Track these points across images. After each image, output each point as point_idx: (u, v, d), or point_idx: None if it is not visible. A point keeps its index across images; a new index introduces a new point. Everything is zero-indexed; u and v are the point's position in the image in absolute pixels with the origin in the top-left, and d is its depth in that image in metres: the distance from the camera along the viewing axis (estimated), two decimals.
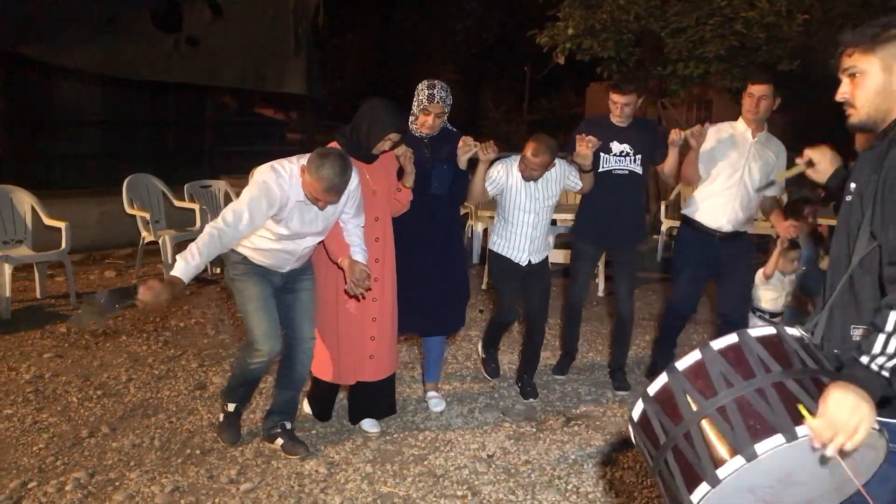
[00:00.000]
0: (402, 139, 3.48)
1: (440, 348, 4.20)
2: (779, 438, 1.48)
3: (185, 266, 2.94)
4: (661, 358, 4.47)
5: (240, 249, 3.38)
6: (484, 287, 6.88)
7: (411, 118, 3.72)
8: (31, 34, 7.53)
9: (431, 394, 4.19)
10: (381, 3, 14.89)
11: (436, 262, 3.84)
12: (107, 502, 3.07)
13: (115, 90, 10.68)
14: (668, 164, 4.18)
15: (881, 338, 1.54)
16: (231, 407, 3.64)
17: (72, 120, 10.83)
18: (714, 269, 4.22)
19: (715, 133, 4.11)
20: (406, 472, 3.40)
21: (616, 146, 4.19)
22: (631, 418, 1.78)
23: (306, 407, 3.94)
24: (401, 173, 3.67)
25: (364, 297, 3.44)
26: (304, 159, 3.17)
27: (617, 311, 4.51)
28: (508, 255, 4.11)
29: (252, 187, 3.14)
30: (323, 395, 3.86)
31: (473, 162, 3.83)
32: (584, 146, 3.97)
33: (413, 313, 3.83)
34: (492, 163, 3.89)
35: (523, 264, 4.11)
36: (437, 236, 3.85)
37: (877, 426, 1.53)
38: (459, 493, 3.23)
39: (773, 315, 4.44)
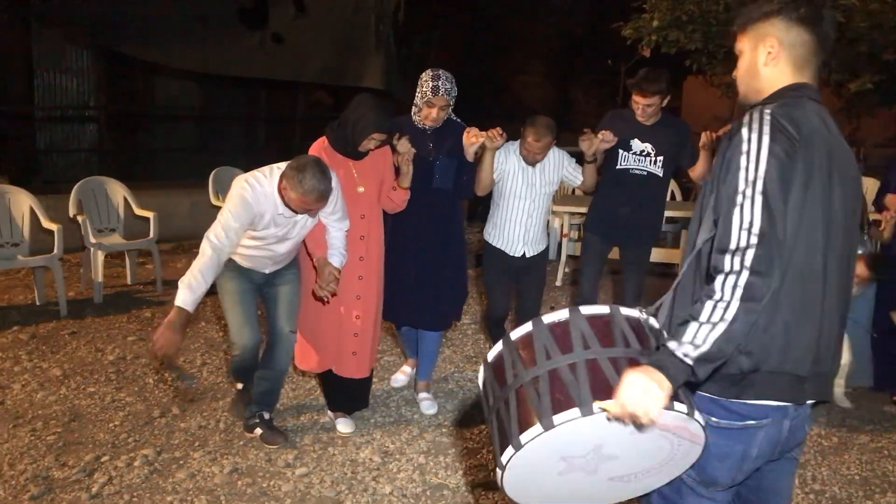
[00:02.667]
0: (387, 139, 3.42)
1: (435, 345, 4.06)
2: (575, 412, 1.54)
3: (190, 295, 2.97)
4: None
5: None
6: (558, 283, 6.81)
7: (414, 109, 3.64)
8: (132, 34, 7.96)
9: (422, 395, 4.06)
10: None
11: (435, 256, 3.76)
12: (170, 479, 3.22)
13: (211, 86, 11.14)
14: (699, 170, 3.97)
15: (693, 326, 1.56)
16: (240, 386, 3.80)
17: (169, 115, 11.35)
18: None
19: None
20: (458, 464, 3.40)
21: (637, 144, 4.00)
22: (479, 384, 1.87)
23: (340, 426, 3.77)
24: (398, 172, 3.60)
25: (329, 301, 3.41)
26: (277, 171, 3.18)
27: None
28: (502, 248, 3.95)
29: (232, 201, 3.15)
30: (333, 387, 3.77)
31: (478, 152, 3.73)
32: (590, 138, 3.81)
33: (409, 306, 3.80)
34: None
35: (517, 255, 3.94)
36: (437, 230, 3.77)
37: (684, 409, 1.56)
38: None
39: None
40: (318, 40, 8.17)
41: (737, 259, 1.53)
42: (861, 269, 2.39)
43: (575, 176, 3.98)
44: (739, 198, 1.56)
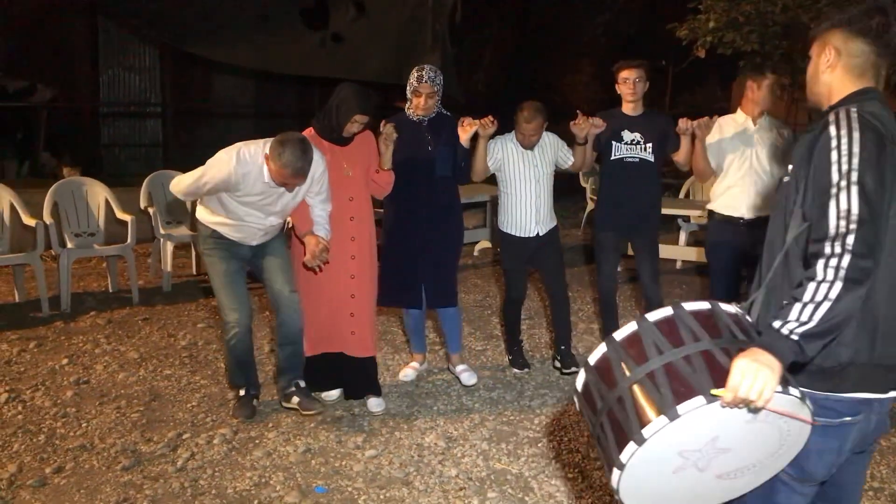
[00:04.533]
0: (370, 121, 3.64)
1: (456, 320, 4.28)
2: (699, 400, 1.55)
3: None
4: None
5: (209, 223, 3.60)
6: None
7: (407, 104, 3.93)
8: (196, 33, 8.23)
9: (459, 367, 4.30)
10: None
11: (440, 239, 4.01)
12: (248, 456, 3.41)
13: (267, 84, 11.43)
14: (682, 153, 4.23)
15: (797, 306, 1.60)
16: (241, 391, 3.81)
17: (227, 112, 11.67)
18: (746, 255, 4.11)
19: (718, 127, 4.13)
20: (520, 451, 3.53)
21: (627, 135, 4.26)
22: (575, 389, 1.87)
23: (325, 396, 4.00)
24: (379, 154, 3.83)
25: (321, 270, 3.61)
26: (268, 145, 3.33)
27: (645, 297, 4.53)
28: (517, 233, 4.25)
29: (216, 156, 3.39)
30: (315, 369, 3.91)
31: (472, 142, 3.98)
32: (584, 122, 4.10)
33: (421, 289, 4.03)
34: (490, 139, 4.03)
35: (531, 236, 4.23)
36: (441, 216, 4.01)
37: (797, 393, 1.58)
38: (570, 476, 3.33)
39: None
40: (377, 40, 8.35)
41: (837, 244, 1.58)
42: None
43: (567, 158, 4.30)
44: (834, 189, 1.62)
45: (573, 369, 4.38)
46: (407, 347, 4.69)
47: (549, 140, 4.25)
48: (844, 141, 1.65)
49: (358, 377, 3.95)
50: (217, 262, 3.62)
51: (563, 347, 4.48)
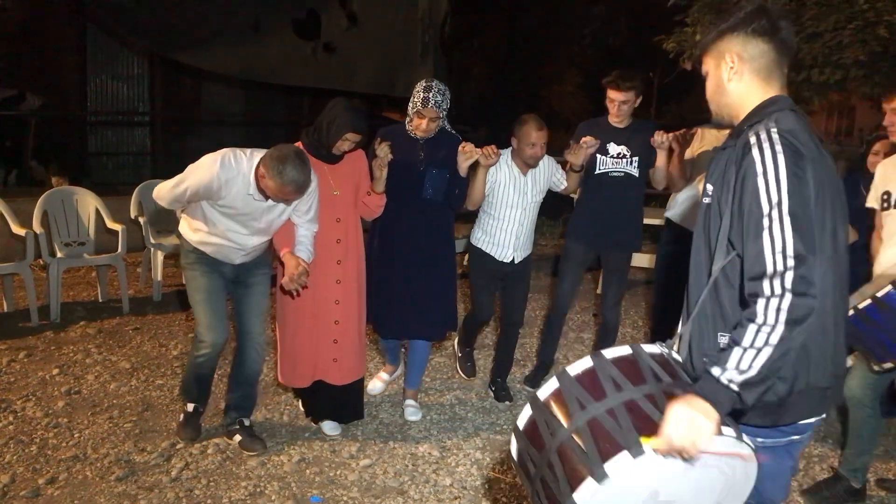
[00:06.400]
0: (362, 140, 3.46)
1: (424, 354, 4.06)
2: (625, 455, 1.49)
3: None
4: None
5: (191, 240, 3.44)
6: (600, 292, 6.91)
7: (407, 118, 3.69)
8: (186, 42, 8.25)
9: (409, 402, 4.07)
10: (507, 8, 15.07)
11: (425, 266, 3.77)
12: (242, 466, 3.41)
13: (256, 93, 11.44)
14: (658, 167, 4.07)
15: (737, 351, 1.56)
16: (190, 407, 3.66)
17: (216, 121, 11.67)
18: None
19: (700, 136, 4.05)
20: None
21: (613, 147, 4.11)
22: (511, 457, 1.80)
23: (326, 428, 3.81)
24: (373, 177, 3.63)
25: (299, 294, 3.42)
26: (257, 155, 3.18)
27: (603, 317, 4.42)
28: (492, 253, 4.04)
29: (198, 161, 3.22)
30: (319, 397, 3.78)
31: (472, 168, 3.77)
32: (578, 149, 3.95)
33: (401, 318, 3.81)
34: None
35: (507, 261, 4.04)
36: (428, 240, 3.78)
37: (732, 433, 1.55)
38: None
39: None
40: (369, 51, 8.40)
41: (776, 283, 1.53)
42: None
43: (560, 182, 4.13)
44: (766, 221, 1.56)
45: (506, 403, 4.23)
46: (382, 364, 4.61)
47: (545, 164, 4.03)
48: (770, 167, 1.58)
49: (344, 401, 3.80)
50: (198, 276, 3.45)
51: (499, 379, 4.32)
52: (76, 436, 3.65)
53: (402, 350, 4.38)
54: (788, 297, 1.52)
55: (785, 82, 1.81)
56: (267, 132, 12.08)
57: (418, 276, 3.77)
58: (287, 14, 8.47)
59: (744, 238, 1.62)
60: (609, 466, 1.48)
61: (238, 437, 3.59)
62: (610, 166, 4.13)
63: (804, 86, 8.69)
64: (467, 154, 3.64)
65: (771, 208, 1.56)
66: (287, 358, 3.68)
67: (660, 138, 3.94)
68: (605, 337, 4.41)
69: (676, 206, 4.23)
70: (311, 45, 8.47)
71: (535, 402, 1.71)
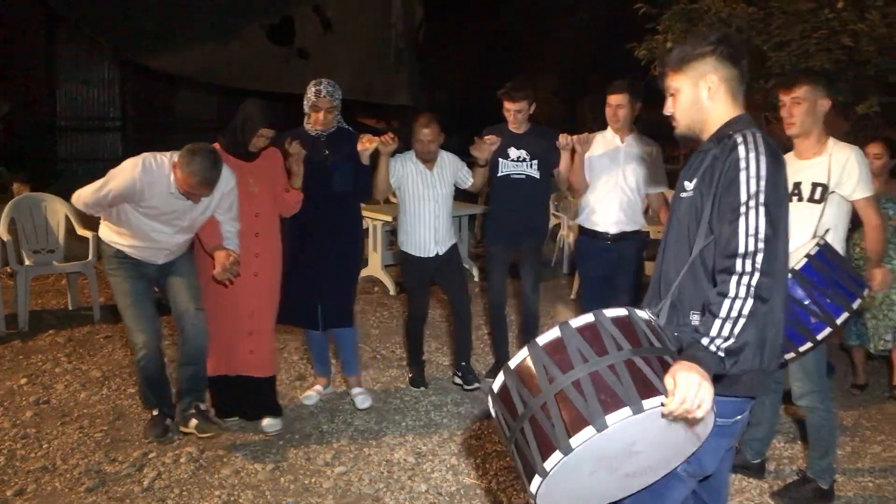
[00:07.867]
0: (276, 136, 3.65)
1: (352, 340, 4.20)
2: (626, 411, 1.61)
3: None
4: None
5: (113, 243, 3.53)
6: (574, 296, 6.95)
7: (305, 119, 3.90)
8: (159, 47, 8.17)
9: (355, 390, 4.21)
10: (485, 14, 15.13)
11: (335, 256, 3.95)
12: (215, 475, 3.38)
13: (230, 98, 11.35)
14: (562, 168, 4.37)
15: (717, 322, 1.76)
16: (155, 412, 3.73)
17: (189, 127, 11.58)
18: (610, 269, 4.29)
19: (593, 143, 4.21)
20: (488, 465, 3.56)
21: (513, 152, 4.37)
22: (491, 390, 1.87)
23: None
24: (290, 174, 3.80)
25: (232, 283, 3.56)
26: (176, 155, 3.33)
27: (524, 307, 4.64)
28: (417, 254, 4.32)
29: (121, 166, 3.37)
30: (230, 391, 3.87)
31: (374, 159, 4.00)
32: (482, 144, 4.19)
33: (315, 308, 3.96)
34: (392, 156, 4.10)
35: (431, 255, 4.30)
36: (336, 232, 3.96)
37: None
38: None
39: None
40: (344, 56, 8.38)
41: (748, 262, 1.75)
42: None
43: (466, 178, 4.44)
44: (743, 208, 1.79)
45: (475, 385, 4.46)
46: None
47: (448, 160, 4.34)
48: (753, 163, 1.83)
49: (256, 398, 3.88)
50: (122, 282, 3.54)
51: (463, 364, 4.53)
52: (45, 446, 3.60)
53: (333, 361, 4.47)
54: (756, 275, 1.75)
55: (743, 102, 2.03)
56: None
57: (330, 267, 3.95)
58: (260, 19, 8.43)
59: (720, 223, 1.84)
60: (610, 418, 1.60)
61: (194, 422, 3.66)
62: (511, 169, 4.40)
63: (772, 93, 8.83)
64: (367, 143, 3.89)
65: (749, 198, 1.79)
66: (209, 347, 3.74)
67: (564, 140, 4.16)
68: (529, 327, 4.62)
69: (584, 212, 4.36)
70: (284, 50, 8.43)
71: (533, 346, 1.79)
